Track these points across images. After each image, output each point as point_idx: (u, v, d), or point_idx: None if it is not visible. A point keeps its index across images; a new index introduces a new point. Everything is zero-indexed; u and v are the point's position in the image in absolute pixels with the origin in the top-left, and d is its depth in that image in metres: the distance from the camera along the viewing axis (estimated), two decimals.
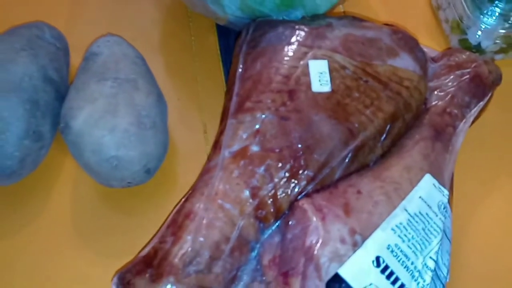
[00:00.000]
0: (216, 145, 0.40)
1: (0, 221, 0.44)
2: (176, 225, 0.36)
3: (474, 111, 0.46)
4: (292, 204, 0.38)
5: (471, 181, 0.47)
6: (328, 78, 0.40)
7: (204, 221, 0.35)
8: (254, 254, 0.37)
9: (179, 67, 0.53)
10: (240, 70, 0.41)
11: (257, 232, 0.37)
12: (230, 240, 0.35)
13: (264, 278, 0.36)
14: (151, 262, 0.34)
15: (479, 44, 0.52)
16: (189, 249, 0.34)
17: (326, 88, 0.40)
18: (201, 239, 0.35)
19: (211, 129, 0.49)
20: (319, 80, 0.40)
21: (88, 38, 0.50)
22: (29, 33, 0.47)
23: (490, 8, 0.48)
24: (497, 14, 0.48)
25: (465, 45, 0.53)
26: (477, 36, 0.51)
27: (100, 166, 0.42)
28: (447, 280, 0.39)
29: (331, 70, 0.40)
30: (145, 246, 0.37)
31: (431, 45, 0.56)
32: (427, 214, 0.38)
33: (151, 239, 0.37)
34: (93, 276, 0.42)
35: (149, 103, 0.43)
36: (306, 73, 0.40)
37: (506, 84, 0.50)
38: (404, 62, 0.43)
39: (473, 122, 0.47)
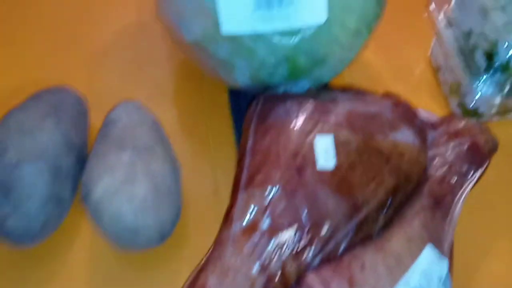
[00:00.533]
0: (228, 217, 0.42)
1: (18, 283, 0.47)
2: None
3: (473, 179, 0.48)
4: (300, 277, 0.40)
5: (470, 244, 0.49)
6: (333, 154, 0.42)
7: None
8: None
9: (192, 126, 0.56)
10: (250, 143, 0.44)
11: None
12: None
13: None
14: None
15: (476, 109, 0.54)
16: None
17: (331, 164, 0.42)
18: None
19: (222, 189, 0.52)
20: (325, 156, 0.42)
21: (107, 98, 0.53)
22: (53, 98, 0.49)
23: (486, 77, 0.51)
24: (492, 84, 0.51)
25: (463, 108, 0.55)
26: (474, 103, 0.53)
27: (118, 234, 0.44)
28: None
29: (336, 145, 0.43)
30: None
31: (432, 105, 0.59)
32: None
33: None
34: None
35: (165, 170, 0.46)
36: (312, 149, 0.42)
37: (503, 143, 0.53)
38: (405, 136, 0.45)
39: (472, 187, 0.49)
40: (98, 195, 0.44)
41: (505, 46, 0.47)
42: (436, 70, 0.60)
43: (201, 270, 0.40)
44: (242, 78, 0.48)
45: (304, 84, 0.49)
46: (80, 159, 0.48)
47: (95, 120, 0.53)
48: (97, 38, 0.59)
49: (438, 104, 0.58)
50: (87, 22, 0.61)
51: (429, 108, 0.57)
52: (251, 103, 0.48)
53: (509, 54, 0.47)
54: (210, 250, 0.41)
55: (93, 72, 0.58)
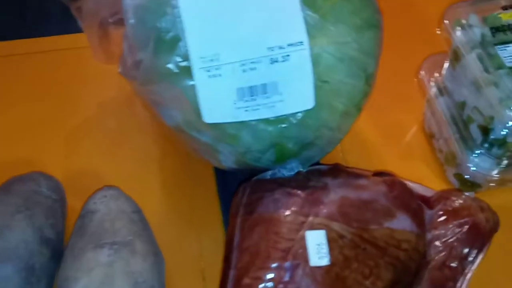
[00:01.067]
0: None
1: None
2: None
3: (474, 262, 0.46)
4: None
5: None
6: (327, 250, 0.40)
7: None
8: None
9: (177, 207, 0.53)
10: (237, 239, 0.41)
11: None
12: None
13: None
14: None
15: (473, 180, 0.52)
16: None
17: (325, 261, 0.39)
18: None
19: (209, 276, 0.49)
20: (317, 253, 0.39)
21: (86, 181, 0.51)
22: (25, 189, 0.46)
23: (481, 151, 0.49)
24: (488, 157, 0.49)
25: (460, 178, 0.53)
26: (471, 174, 0.51)
27: None
28: None
29: (329, 240, 0.40)
30: None
31: (427, 173, 0.57)
32: None
33: None
34: None
35: (146, 268, 0.43)
36: (303, 246, 0.40)
37: (505, 210, 0.50)
38: (401, 223, 0.43)
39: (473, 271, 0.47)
40: None
41: (501, 122, 0.45)
42: (430, 137, 0.58)
43: None
44: (226, 162, 0.46)
45: (292, 166, 0.47)
46: (56, 253, 0.45)
47: (74, 205, 0.50)
48: (75, 116, 0.57)
49: (434, 172, 0.56)
50: (64, 99, 0.58)
51: (424, 176, 0.55)
52: (239, 187, 0.45)
53: (506, 131, 0.45)
54: None
55: (70, 153, 0.55)
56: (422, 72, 0.56)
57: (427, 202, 0.49)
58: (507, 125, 0.45)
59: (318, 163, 0.49)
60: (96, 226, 0.44)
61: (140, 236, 0.45)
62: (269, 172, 0.46)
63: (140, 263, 0.43)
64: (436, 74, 0.55)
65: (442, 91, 0.54)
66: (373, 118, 0.59)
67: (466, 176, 0.52)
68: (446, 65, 0.53)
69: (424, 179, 0.53)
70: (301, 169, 0.46)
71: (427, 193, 0.50)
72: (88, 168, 0.54)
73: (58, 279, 0.43)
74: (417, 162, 0.57)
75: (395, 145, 0.58)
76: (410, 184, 0.49)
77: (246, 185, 0.45)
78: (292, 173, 0.46)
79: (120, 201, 0.46)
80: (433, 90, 0.55)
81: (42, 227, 0.45)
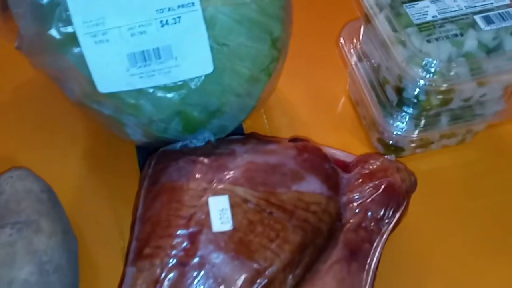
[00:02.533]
0: None
1: None
2: None
3: (391, 222, 0.45)
4: None
5: None
6: (229, 215, 0.39)
7: None
8: None
9: (96, 188, 0.52)
10: (140, 210, 0.40)
11: None
12: None
13: None
14: None
15: (396, 143, 0.52)
16: None
17: (228, 226, 0.38)
18: None
19: None
20: (220, 219, 0.38)
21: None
22: None
23: (399, 114, 0.49)
24: (407, 119, 0.49)
25: (384, 143, 0.53)
26: (392, 138, 0.50)
27: None
28: None
29: (232, 206, 0.39)
30: None
31: (353, 141, 0.56)
32: None
33: None
34: None
35: (52, 246, 0.41)
36: (206, 212, 0.39)
37: (429, 174, 0.50)
38: (310, 185, 0.42)
39: (391, 232, 0.46)
40: None
41: (411, 81, 0.44)
42: (355, 104, 0.57)
43: None
44: (135, 135, 0.45)
45: (204, 136, 0.46)
46: None
47: None
48: None
49: (360, 139, 0.56)
50: None
51: (351, 143, 0.55)
52: (146, 159, 0.44)
53: (417, 90, 0.45)
54: None
55: None
56: (342, 40, 0.55)
57: (347, 167, 0.48)
58: (417, 84, 0.45)
59: (240, 134, 0.48)
60: (1, 207, 0.43)
61: (47, 215, 0.43)
62: (179, 143, 0.45)
63: (45, 242, 0.41)
64: (355, 41, 0.54)
65: (361, 56, 0.53)
66: (299, 86, 0.59)
67: (388, 141, 0.52)
68: (362, 30, 0.53)
69: (351, 147, 0.52)
70: (213, 139, 0.45)
71: (348, 158, 0.49)
72: (1, 155, 0.53)
73: None
74: (344, 130, 0.56)
75: (322, 113, 0.57)
76: (330, 150, 0.48)
77: (152, 156, 0.43)
78: (204, 143, 0.45)
79: (28, 181, 0.45)
80: (353, 57, 0.54)
81: None
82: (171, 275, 0.37)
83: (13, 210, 0.42)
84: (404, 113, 0.48)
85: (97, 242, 0.48)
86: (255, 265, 0.38)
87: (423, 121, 0.49)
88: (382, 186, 0.46)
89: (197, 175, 0.40)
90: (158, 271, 0.37)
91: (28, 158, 0.51)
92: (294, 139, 0.47)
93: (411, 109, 0.48)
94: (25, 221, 0.42)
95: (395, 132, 0.49)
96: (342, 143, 0.52)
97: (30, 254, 0.40)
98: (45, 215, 0.43)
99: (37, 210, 0.43)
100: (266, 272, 0.38)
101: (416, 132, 0.49)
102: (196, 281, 0.37)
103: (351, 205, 0.45)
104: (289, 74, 0.51)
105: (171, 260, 0.37)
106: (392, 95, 0.49)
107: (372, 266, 0.43)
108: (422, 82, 0.44)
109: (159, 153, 0.43)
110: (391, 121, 0.49)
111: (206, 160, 0.41)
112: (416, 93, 0.46)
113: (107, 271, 0.46)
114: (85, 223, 0.48)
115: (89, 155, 0.53)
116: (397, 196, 0.46)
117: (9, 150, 0.53)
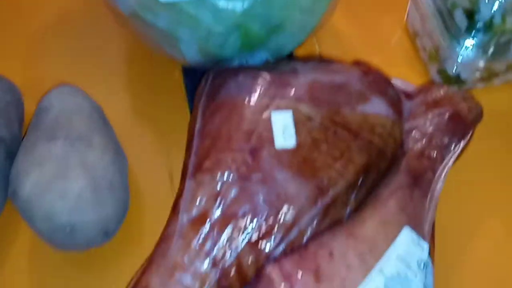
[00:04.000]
0: (175, 209, 0.37)
1: None
2: None
3: (455, 152, 0.43)
4: (259, 271, 0.35)
5: (454, 224, 0.44)
6: (293, 132, 0.37)
7: None
8: None
9: (143, 112, 0.50)
10: (198, 125, 0.38)
11: None
12: None
13: None
14: None
15: (458, 75, 0.49)
16: None
17: (291, 143, 0.37)
18: None
19: (178, 177, 0.46)
20: (283, 135, 0.37)
21: (45, 87, 0.48)
22: None
23: (468, 39, 0.46)
24: (475, 46, 0.46)
25: (444, 75, 0.50)
26: (455, 68, 0.48)
27: (53, 233, 0.39)
28: None
29: (296, 122, 0.37)
30: None
31: (410, 75, 0.54)
32: (405, 275, 0.35)
33: None
34: None
35: (104, 162, 0.40)
36: (268, 127, 0.37)
37: (489, 113, 0.47)
38: (376, 107, 0.40)
39: (455, 161, 0.44)
40: (26, 192, 0.38)
41: (487, 2, 0.41)
42: (413, 37, 0.54)
43: (144, 270, 0.35)
44: (189, 51, 0.42)
45: (261, 56, 0.43)
46: (10, 154, 0.43)
47: (33, 111, 0.47)
48: (35, 20, 0.53)
49: (416, 73, 0.53)
50: (24, 2, 0.55)
51: (406, 78, 0.52)
52: (202, 77, 0.42)
53: (492, 11, 0.42)
54: (155, 247, 0.36)
55: (29, 58, 0.52)
56: None
57: (408, 96, 0.46)
58: (493, 4, 0.42)
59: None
60: (51, 121, 0.41)
61: (99, 131, 0.42)
62: (235, 62, 0.43)
63: (98, 157, 0.40)
64: None
65: None
66: (353, 18, 0.56)
67: (450, 71, 0.49)
68: None
69: (408, 80, 0.50)
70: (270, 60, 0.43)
71: (408, 88, 0.47)
72: (48, 75, 0.51)
73: (10, 174, 0.40)
74: (400, 62, 0.54)
75: (377, 45, 0.55)
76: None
77: (208, 73, 0.41)
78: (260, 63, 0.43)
79: (78, 97, 0.44)
80: None
81: None
82: (232, 189, 0.35)
83: (64, 125, 0.41)
84: (472, 40, 0.46)
85: (144, 165, 0.47)
86: (319, 183, 0.36)
87: (491, 49, 0.46)
88: (447, 114, 0.43)
89: (258, 90, 0.38)
90: (219, 184, 0.35)
91: (75, 79, 0.50)
92: (356, 63, 0.44)
93: (481, 35, 0.45)
94: (77, 136, 0.40)
95: (460, 60, 0.46)
96: (399, 76, 0.49)
97: (84, 168, 0.39)
98: (96, 132, 0.42)
99: (88, 127, 0.41)
100: (330, 191, 0.36)
101: (483, 60, 0.46)
102: (259, 196, 0.35)
103: (413, 132, 0.43)
104: (343, 4, 0.49)
105: (232, 174, 0.36)
106: (462, 20, 0.45)
107: (435, 194, 0.41)
108: (500, 1, 0.41)
109: (216, 70, 0.41)
110: (457, 48, 0.46)
111: (267, 76, 0.39)
112: (491, 14, 0.43)
113: (154, 193, 0.45)
114: (131, 145, 0.47)
115: (136, 78, 0.52)
116: (463, 125, 0.43)
117: (57, 70, 0.51)
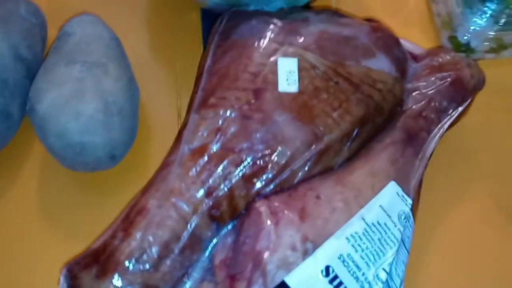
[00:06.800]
0: (178, 139, 0.39)
1: None
2: (128, 220, 0.36)
3: (452, 116, 0.44)
4: (249, 205, 0.38)
5: (441, 187, 0.46)
6: (296, 78, 0.39)
7: (156, 219, 0.35)
8: (207, 253, 0.37)
9: (159, 47, 0.52)
10: (208, 62, 0.40)
11: (210, 231, 0.37)
12: (181, 239, 0.35)
13: (214, 278, 0.36)
14: (99, 257, 0.34)
15: (468, 43, 0.50)
16: (137, 247, 0.34)
17: (293, 88, 0.38)
18: (150, 237, 0.35)
19: (184, 113, 0.48)
20: (287, 80, 0.38)
21: (69, 13, 0.49)
22: (2, 9, 0.46)
23: (481, 8, 0.46)
24: (487, 15, 0.46)
25: (455, 42, 0.51)
26: (467, 36, 0.49)
27: (64, 151, 0.41)
28: None
29: (300, 69, 0.39)
30: (98, 237, 0.37)
31: (421, 38, 0.54)
32: (385, 224, 0.38)
33: (106, 230, 0.37)
34: (56, 257, 0.43)
35: (117, 89, 0.43)
36: (274, 71, 0.39)
37: (494, 84, 0.48)
38: (380, 63, 0.41)
39: (450, 127, 0.45)
40: (43, 110, 0.41)
41: None
42: (430, 1, 0.55)
43: (144, 192, 0.38)
44: None
45: (277, 4, 0.45)
46: (31, 73, 0.45)
47: (56, 35, 0.49)
48: None
49: (428, 38, 0.53)
50: None
51: (417, 41, 0.53)
52: (217, 18, 0.44)
53: None
54: (156, 172, 0.38)
55: None
56: None
57: (415, 58, 0.47)
58: None
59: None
60: (71, 46, 0.44)
61: (115, 60, 0.44)
62: (252, 7, 0.44)
63: (112, 84, 0.42)
64: None
65: None
66: None
67: (461, 39, 0.50)
68: None
69: (419, 43, 0.50)
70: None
71: (417, 50, 0.48)
72: (72, 3, 0.53)
73: (30, 91, 0.43)
74: (414, 26, 0.54)
75: (393, 6, 0.55)
76: (400, 39, 0.47)
77: (224, 14, 0.43)
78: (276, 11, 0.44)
79: (98, 26, 0.45)
80: None
81: (17, 45, 0.44)
82: (233, 125, 0.38)
83: (84, 51, 0.43)
84: (485, 9, 0.46)
85: (155, 98, 0.49)
86: (315, 130, 0.38)
87: (503, 19, 0.47)
88: (450, 79, 0.44)
89: (269, 35, 0.40)
90: (221, 120, 0.38)
91: (97, 10, 0.51)
92: (368, 19, 0.45)
93: (495, 5, 0.46)
94: (95, 62, 0.43)
95: (472, 28, 0.47)
96: (410, 39, 0.50)
97: (98, 92, 0.41)
98: (113, 60, 0.44)
99: (106, 54, 0.44)
100: (325, 138, 0.39)
101: (494, 30, 0.47)
102: (257, 135, 0.37)
103: (415, 93, 0.44)
104: None
105: (234, 112, 0.38)
106: None
107: (426, 154, 0.43)
108: None
109: (232, 12, 0.43)
110: (470, 16, 0.47)
111: (279, 23, 0.41)
112: None
113: (162, 126, 0.48)
114: (145, 78, 0.49)
115: (156, 15, 0.53)
116: (463, 91, 0.45)
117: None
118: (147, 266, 0.34)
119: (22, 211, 0.45)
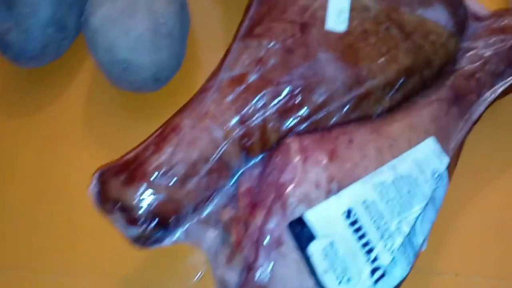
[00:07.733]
0: (220, 65, 0.39)
1: (17, 100, 0.47)
2: (161, 136, 0.37)
3: (507, 82, 0.42)
4: (281, 140, 0.37)
5: (483, 153, 0.44)
6: (347, 17, 0.38)
7: (187, 138, 0.36)
8: (233, 180, 0.38)
9: None
10: None
11: (239, 159, 0.37)
12: (209, 162, 0.36)
13: (236, 204, 0.37)
14: (129, 166, 0.36)
15: None
16: (166, 161, 0.35)
17: (342, 27, 0.38)
18: (179, 154, 0.35)
19: None
20: (336, 18, 0.38)
21: None
22: None
23: None
24: None
25: None
26: None
27: (111, 66, 0.43)
28: (423, 249, 0.38)
29: (351, 9, 0.38)
30: (132, 150, 0.38)
31: (488, 2, 0.51)
32: (416, 178, 0.37)
33: (139, 144, 0.38)
34: (93, 167, 0.44)
35: (169, 12, 0.43)
36: (324, 7, 0.38)
37: None
38: (437, 15, 0.39)
39: (504, 94, 0.43)
40: (95, 23, 0.42)
41: None
42: None
43: (179, 111, 0.38)
44: None
45: None
46: None
47: None
48: None
49: (496, 3, 0.51)
50: None
51: (485, 2, 0.50)
52: None
53: None
54: (194, 95, 0.39)
55: None
56: None
57: (477, 18, 0.45)
58: None
59: None
60: None
61: None
62: None
63: (164, 6, 0.43)
64: None
65: None
66: None
67: None
68: None
69: (484, 4, 0.48)
70: None
71: (481, 11, 0.46)
72: None
73: (87, 4, 0.44)
74: None
75: None
76: None
77: None
78: None
79: None
80: None
81: None
82: (275, 57, 0.37)
83: None
84: None
85: (206, 26, 0.49)
86: (358, 73, 0.37)
87: None
88: (511, 43, 0.42)
89: None
90: (263, 51, 0.38)
91: None
92: None
93: None
94: None
95: None
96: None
97: (150, 12, 0.42)
98: None
99: None
100: (367, 83, 0.38)
101: None
102: (297, 70, 0.37)
103: (470, 52, 0.42)
104: None
105: (278, 44, 0.37)
106: None
107: (473, 117, 0.41)
108: None
109: None
110: None
111: None
112: None
113: (209, 55, 0.48)
114: (197, 6, 0.49)
115: None
116: None
117: None
118: (174, 180, 0.35)
119: (66, 121, 0.47)
